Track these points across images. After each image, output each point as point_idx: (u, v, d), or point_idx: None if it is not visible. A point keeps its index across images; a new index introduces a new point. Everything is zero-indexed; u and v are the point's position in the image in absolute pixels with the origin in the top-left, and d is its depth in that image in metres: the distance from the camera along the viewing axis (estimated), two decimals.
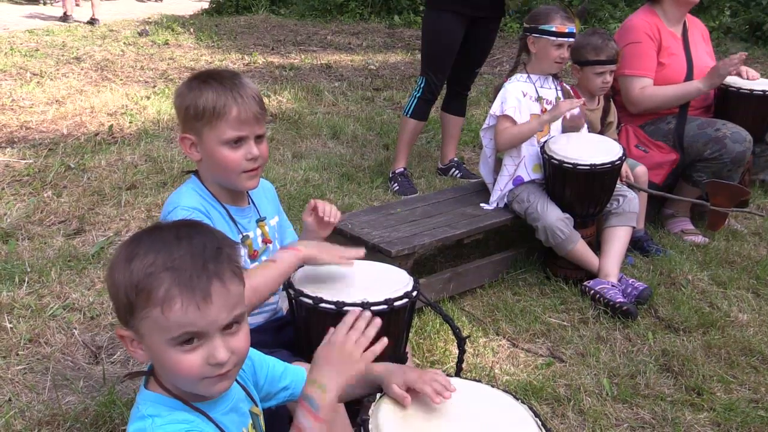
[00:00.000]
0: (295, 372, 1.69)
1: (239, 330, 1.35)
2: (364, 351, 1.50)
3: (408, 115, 4.57)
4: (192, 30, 10.29)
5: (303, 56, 8.88)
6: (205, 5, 13.19)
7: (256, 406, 1.52)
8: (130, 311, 1.29)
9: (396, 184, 4.47)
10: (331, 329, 1.53)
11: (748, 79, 3.93)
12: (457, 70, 4.54)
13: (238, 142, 1.98)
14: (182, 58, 8.47)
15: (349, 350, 1.47)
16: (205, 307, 1.26)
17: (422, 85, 4.48)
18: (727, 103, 3.95)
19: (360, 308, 1.61)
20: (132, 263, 1.28)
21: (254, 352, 1.60)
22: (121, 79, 7.23)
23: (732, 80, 3.93)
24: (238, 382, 1.48)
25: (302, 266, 2.07)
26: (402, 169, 4.57)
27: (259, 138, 2.02)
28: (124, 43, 9.23)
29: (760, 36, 10.13)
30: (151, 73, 7.58)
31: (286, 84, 7.22)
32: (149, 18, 11.54)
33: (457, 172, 4.76)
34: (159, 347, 1.29)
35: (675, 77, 3.95)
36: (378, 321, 1.54)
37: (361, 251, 2.13)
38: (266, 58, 8.66)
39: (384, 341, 1.54)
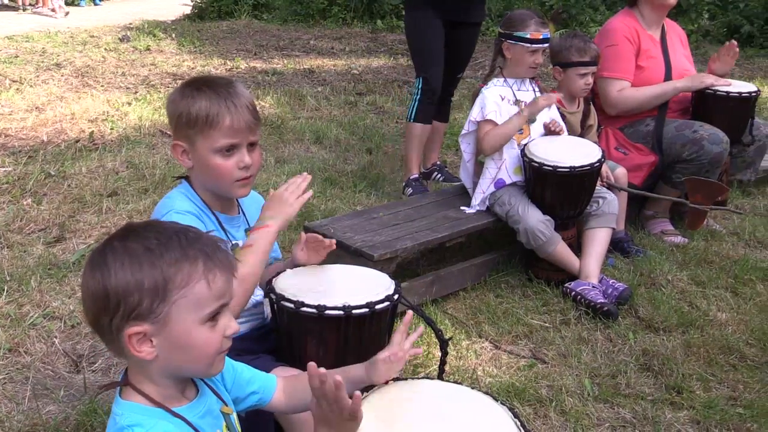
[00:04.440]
0: (265, 378, 1.70)
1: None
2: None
3: (412, 120, 4.43)
4: (174, 35, 10.27)
5: (286, 61, 8.88)
6: (187, 10, 13.15)
7: (227, 405, 1.53)
8: (162, 298, 1.31)
9: (410, 189, 4.42)
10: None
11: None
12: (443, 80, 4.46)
13: (230, 150, 1.97)
14: (164, 63, 8.44)
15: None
16: (234, 277, 1.39)
17: (420, 86, 4.38)
18: (704, 105, 3.99)
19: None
20: (154, 252, 1.31)
21: None
22: (102, 86, 7.20)
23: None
24: (207, 385, 1.49)
25: (279, 273, 2.08)
26: (416, 175, 4.50)
27: (251, 146, 2.01)
28: (105, 49, 9.19)
29: (738, 38, 10.22)
30: (133, 79, 7.56)
31: (268, 89, 7.22)
32: (130, 24, 11.49)
33: (439, 175, 4.78)
34: (188, 328, 1.33)
35: (653, 80, 3.99)
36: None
37: (332, 244, 2.21)
38: (249, 64, 8.65)
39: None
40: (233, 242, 2.10)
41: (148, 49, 9.29)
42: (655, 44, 4.07)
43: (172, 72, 7.98)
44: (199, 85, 2.00)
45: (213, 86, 1.98)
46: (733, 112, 3.97)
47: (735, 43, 4.07)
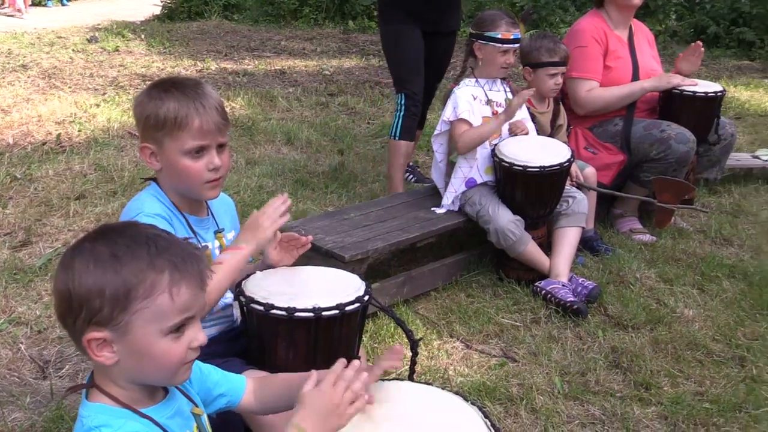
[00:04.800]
0: (234, 380, 1.68)
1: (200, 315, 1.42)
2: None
3: (397, 138, 4.23)
4: (143, 36, 10.17)
5: (257, 62, 8.84)
6: (157, 11, 13.04)
7: (197, 407, 1.52)
8: (123, 307, 1.28)
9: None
10: (314, 373, 1.48)
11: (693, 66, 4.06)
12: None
13: (199, 151, 1.95)
14: (133, 64, 8.36)
15: (337, 402, 1.41)
16: (203, 289, 1.35)
17: (403, 102, 4.21)
18: (671, 104, 4.04)
19: (345, 360, 1.51)
20: (120, 259, 1.28)
21: None
22: (69, 87, 7.11)
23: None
24: (177, 387, 1.48)
25: (249, 275, 2.07)
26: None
27: (221, 147, 2.00)
28: (73, 50, 9.08)
29: (704, 39, 10.37)
30: (101, 81, 7.47)
31: (239, 90, 7.18)
32: (99, 24, 11.37)
33: (411, 176, 4.78)
34: (149, 339, 1.31)
35: (621, 80, 4.03)
36: (364, 375, 1.48)
37: (307, 241, 2.20)
38: (219, 64, 8.60)
39: (365, 399, 1.47)
40: (203, 244, 2.09)
41: (117, 50, 9.19)
42: (623, 45, 4.12)
43: (141, 73, 7.90)
44: (167, 86, 1.98)
45: (181, 88, 1.97)
46: (699, 112, 4.03)
47: (700, 43, 4.13)
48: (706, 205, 4.43)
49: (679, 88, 3.99)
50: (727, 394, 2.67)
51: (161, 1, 13.06)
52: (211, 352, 2.05)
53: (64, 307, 1.31)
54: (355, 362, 1.49)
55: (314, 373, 1.49)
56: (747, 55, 9.92)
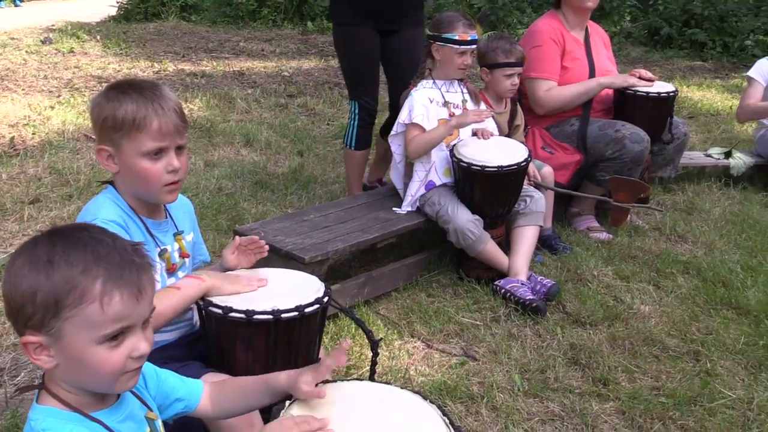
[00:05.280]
0: (191, 384, 1.67)
1: (149, 323, 1.38)
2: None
3: (351, 147, 4.11)
4: (98, 37, 10.02)
5: (215, 63, 8.77)
6: (113, 12, 12.84)
7: (152, 411, 1.50)
8: (53, 314, 1.26)
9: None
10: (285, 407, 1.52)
11: (647, 79, 4.12)
12: (393, 93, 4.09)
13: (158, 153, 1.93)
14: (88, 66, 8.23)
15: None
16: (141, 300, 1.31)
17: (356, 111, 4.05)
18: (625, 105, 4.11)
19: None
20: (54, 264, 1.26)
21: (145, 365, 1.57)
22: (23, 89, 6.97)
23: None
24: (131, 391, 1.46)
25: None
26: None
27: (179, 149, 1.98)
28: (27, 51, 8.91)
29: (658, 40, 10.61)
30: (56, 83, 7.34)
31: (197, 92, 7.12)
32: (53, 25, 11.17)
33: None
34: (81, 347, 1.29)
35: (577, 80, 4.09)
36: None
37: (264, 281, 2.13)
38: (177, 66, 8.51)
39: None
40: (162, 247, 2.07)
41: (72, 52, 9.04)
42: (579, 46, 4.17)
43: (97, 75, 7.78)
44: (124, 88, 1.96)
45: (139, 89, 1.95)
46: (652, 112, 4.11)
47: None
48: (661, 203, 4.52)
49: (633, 88, 4.07)
50: (682, 388, 2.73)
51: (117, 2, 12.87)
52: (170, 356, 2.04)
53: (7, 309, 1.32)
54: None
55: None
56: (699, 55, 10.14)
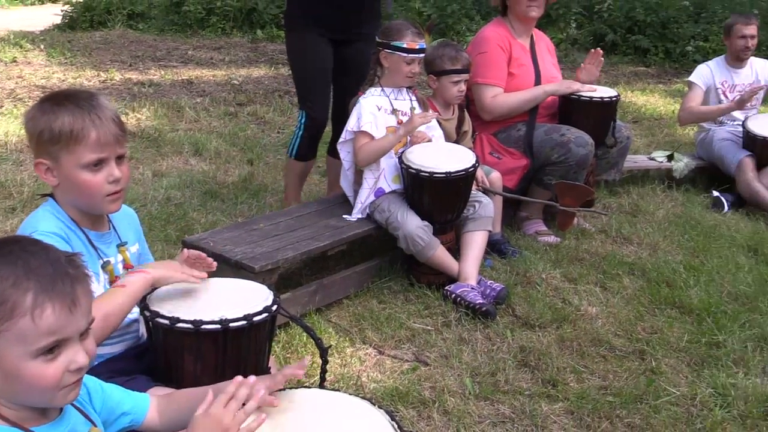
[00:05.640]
0: (137, 398, 1.66)
1: (88, 334, 1.36)
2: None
3: (293, 157, 4.01)
4: (42, 47, 9.80)
5: (163, 72, 8.66)
6: (57, 20, 12.58)
7: (96, 426, 1.48)
8: None
9: None
10: (211, 395, 1.49)
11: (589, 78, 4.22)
12: (338, 107, 4.02)
13: (98, 164, 1.91)
14: (32, 76, 8.04)
15: (227, 425, 1.43)
16: (75, 311, 1.29)
17: (303, 121, 3.96)
18: (570, 110, 4.20)
19: (241, 377, 1.54)
20: None
21: (89, 379, 1.56)
22: None
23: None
24: (74, 406, 1.44)
25: (155, 289, 2.03)
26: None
27: (120, 159, 1.96)
28: None
29: (603, 46, 10.77)
30: None
31: (145, 101, 7.01)
32: None
33: None
34: (16, 362, 1.27)
35: (524, 87, 4.16)
36: (261, 393, 1.51)
37: (213, 264, 2.11)
38: (124, 75, 8.37)
39: (261, 418, 1.50)
40: (105, 259, 2.04)
41: (15, 61, 8.83)
42: (525, 53, 4.25)
43: (41, 84, 7.61)
44: (59, 99, 1.93)
45: (74, 100, 1.92)
46: (596, 116, 4.20)
47: (600, 51, 4.30)
48: (607, 206, 4.61)
49: (577, 93, 4.15)
50: (628, 387, 2.79)
51: (62, 11, 12.62)
52: (116, 370, 2.01)
53: None
54: (250, 379, 1.51)
55: (210, 393, 1.48)
56: (643, 61, 10.39)
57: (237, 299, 2.09)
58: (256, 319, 2.02)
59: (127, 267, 2.11)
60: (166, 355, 2.06)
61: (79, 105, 1.90)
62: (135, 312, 2.12)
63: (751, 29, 5.09)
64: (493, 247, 3.85)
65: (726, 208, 4.74)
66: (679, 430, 2.57)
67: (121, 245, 2.11)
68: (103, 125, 1.90)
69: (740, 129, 5.00)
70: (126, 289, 1.92)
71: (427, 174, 3.37)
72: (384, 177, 3.53)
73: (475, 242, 3.52)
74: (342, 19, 3.86)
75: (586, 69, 4.29)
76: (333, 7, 3.83)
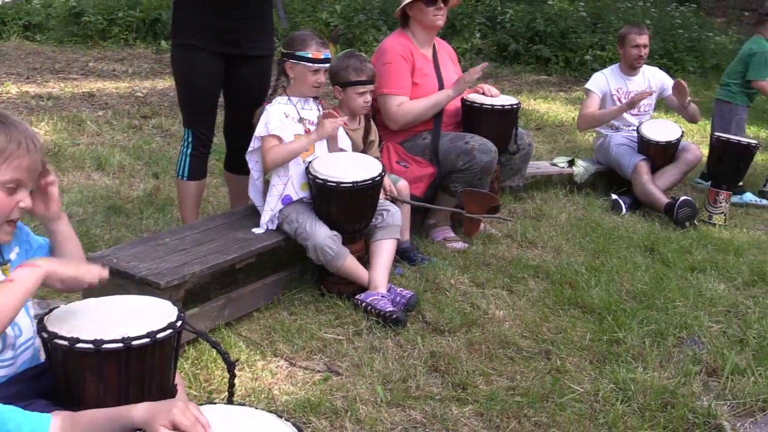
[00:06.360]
0: (36, 420, 1.60)
1: None
2: None
3: (184, 178, 3.77)
4: None
5: (62, 85, 8.37)
6: None
7: None
8: None
9: None
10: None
11: (490, 96, 4.33)
12: (230, 123, 3.89)
13: (15, 187, 1.88)
14: None
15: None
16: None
17: (190, 140, 3.72)
18: (473, 117, 4.30)
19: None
20: None
21: None
22: None
23: (476, 97, 4.30)
24: None
25: (52, 309, 1.97)
26: None
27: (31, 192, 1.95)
28: None
29: (506, 56, 11.14)
30: None
31: (43, 115, 6.76)
32: None
33: None
34: None
35: (428, 95, 4.23)
36: None
37: (105, 272, 2.05)
38: (20, 88, 8.04)
39: None
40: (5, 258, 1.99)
41: None
42: (428, 62, 4.33)
43: None
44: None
45: (13, 122, 1.93)
46: (498, 124, 4.31)
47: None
48: (512, 211, 4.75)
49: (479, 102, 4.26)
50: (535, 387, 2.87)
51: None
52: (14, 394, 1.92)
53: None
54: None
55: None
56: (544, 70, 10.75)
57: (140, 316, 2.04)
58: (159, 336, 1.97)
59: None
60: (66, 376, 1.98)
61: (19, 128, 1.91)
62: (31, 330, 2.05)
63: (644, 39, 5.36)
64: (403, 255, 3.89)
65: (624, 210, 4.96)
66: (583, 426, 2.66)
67: (2, 264, 2.03)
68: (36, 153, 1.92)
69: (635, 134, 5.25)
70: (14, 284, 1.82)
71: (333, 184, 3.38)
72: (292, 184, 3.52)
73: (385, 251, 3.55)
74: (230, 29, 3.59)
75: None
76: (218, 14, 3.56)
